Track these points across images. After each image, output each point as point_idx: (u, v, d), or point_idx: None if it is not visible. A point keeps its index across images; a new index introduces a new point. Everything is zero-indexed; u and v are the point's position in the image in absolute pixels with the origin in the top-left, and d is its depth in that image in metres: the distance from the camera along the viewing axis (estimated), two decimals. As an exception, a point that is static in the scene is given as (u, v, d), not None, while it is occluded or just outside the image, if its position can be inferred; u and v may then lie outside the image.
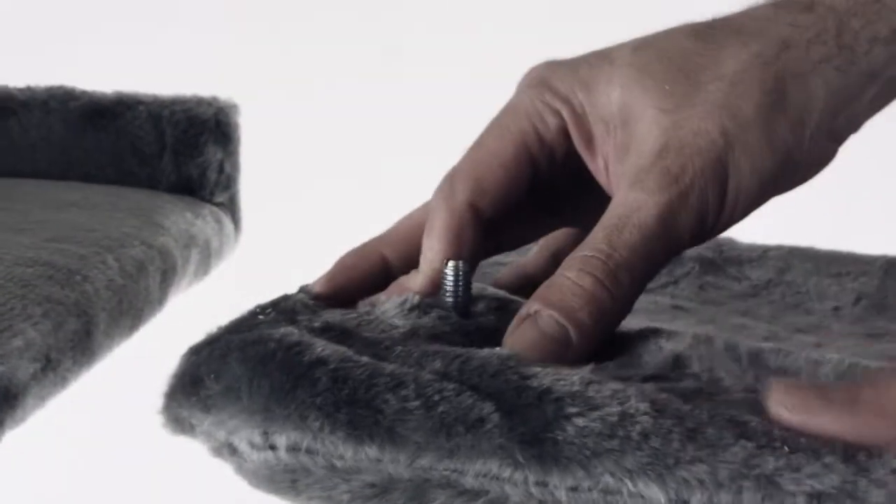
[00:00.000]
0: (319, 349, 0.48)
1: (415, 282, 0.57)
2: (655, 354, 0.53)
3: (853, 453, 0.42)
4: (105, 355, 0.78)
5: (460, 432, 0.45)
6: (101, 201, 0.97)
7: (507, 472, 0.45)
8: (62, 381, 0.71)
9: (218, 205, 1.09)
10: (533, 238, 0.64)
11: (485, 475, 0.45)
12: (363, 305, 0.55)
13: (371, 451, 0.46)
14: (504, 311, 0.56)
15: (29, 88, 1.12)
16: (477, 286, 0.58)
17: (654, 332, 0.54)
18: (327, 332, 0.51)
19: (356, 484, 0.47)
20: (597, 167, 0.58)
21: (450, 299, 0.55)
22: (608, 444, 0.43)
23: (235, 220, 1.11)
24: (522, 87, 0.59)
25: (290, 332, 0.50)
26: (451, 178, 0.58)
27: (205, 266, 1.01)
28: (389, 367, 0.47)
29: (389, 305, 0.54)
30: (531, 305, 0.52)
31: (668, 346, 0.53)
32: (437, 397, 0.45)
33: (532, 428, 0.44)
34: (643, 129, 0.55)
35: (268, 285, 0.59)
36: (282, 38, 1.81)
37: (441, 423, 0.45)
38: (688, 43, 0.56)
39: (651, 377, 0.51)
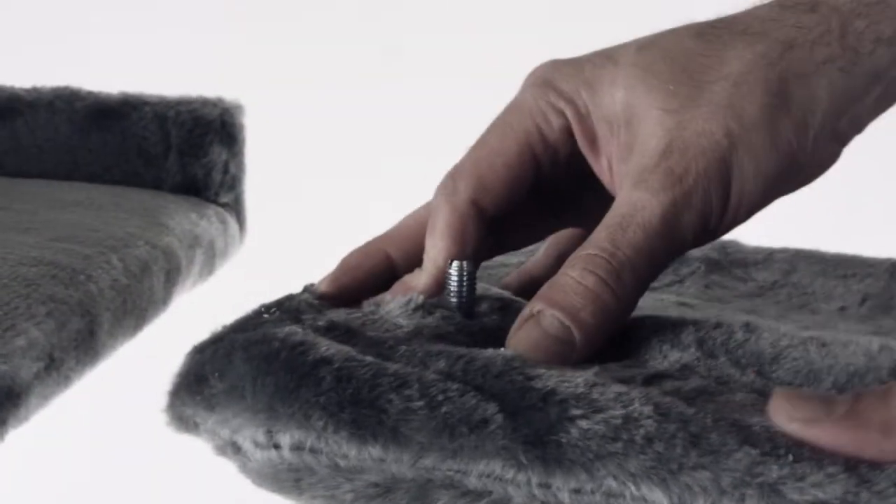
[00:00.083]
0: (323, 348, 0.48)
1: (418, 280, 0.57)
2: (658, 355, 0.53)
3: (855, 464, 0.42)
4: (109, 355, 0.78)
5: (464, 433, 0.45)
6: (106, 201, 0.97)
7: (510, 474, 0.45)
8: (65, 381, 0.70)
9: (223, 205, 1.09)
10: (537, 238, 0.64)
11: (488, 476, 0.45)
12: (368, 305, 0.55)
13: (374, 450, 0.46)
14: (508, 312, 0.56)
15: (35, 89, 1.12)
16: (481, 286, 0.58)
17: (659, 329, 0.54)
18: (332, 331, 0.51)
19: (360, 483, 0.47)
20: (600, 167, 0.58)
21: (454, 299, 0.55)
22: (612, 447, 0.43)
23: (240, 221, 1.11)
24: (526, 86, 0.59)
25: (295, 331, 0.50)
26: (453, 176, 0.58)
27: (209, 266, 1.01)
28: (393, 367, 0.47)
29: (394, 305, 0.54)
30: (534, 305, 0.52)
31: (673, 354, 0.53)
32: (440, 397, 0.45)
33: (536, 429, 0.44)
34: (647, 129, 0.55)
35: (273, 285, 0.59)
36: (287, 40, 1.81)
37: (445, 423, 0.45)
38: (692, 43, 0.56)
39: (656, 376, 0.51)
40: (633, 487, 0.43)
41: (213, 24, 1.82)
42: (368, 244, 0.60)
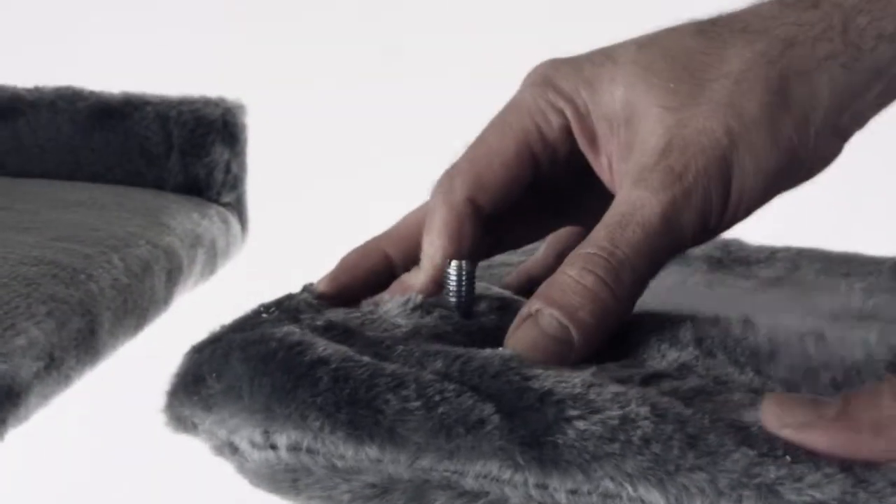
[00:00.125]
0: (321, 349, 0.48)
1: (416, 279, 0.57)
2: (657, 354, 0.53)
3: (852, 464, 0.42)
4: (109, 354, 0.78)
5: (461, 433, 0.45)
6: (108, 201, 0.97)
7: (507, 474, 0.44)
8: (66, 380, 0.71)
9: (225, 205, 1.09)
10: (537, 237, 0.64)
11: (485, 477, 0.45)
12: (366, 305, 0.55)
13: (371, 451, 0.46)
14: (507, 311, 0.56)
15: (37, 89, 1.13)
16: (481, 286, 0.58)
17: (657, 328, 0.54)
18: (330, 331, 0.51)
19: (357, 484, 0.47)
20: (600, 166, 0.58)
21: (453, 299, 0.55)
22: (609, 447, 0.43)
23: (242, 221, 1.11)
24: (526, 85, 0.59)
25: (292, 331, 0.50)
26: (450, 174, 0.58)
27: (211, 266, 1.01)
28: (390, 367, 0.47)
29: (392, 305, 0.54)
30: (533, 304, 0.52)
31: (671, 353, 0.53)
32: (437, 398, 0.45)
33: (533, 430, 0.44)
34: (647, 127, 0.55)
35: (274, 285, 0.59)
36: (288, 39, 1.81)
37: (441, 423, 0.45)
38: (692, 41, 0.56)
39: (654, 376, 0.51)
40: (630, 488, 0.43)
41: (214, 24, 1.83)
42: (367, 244, 0.60)
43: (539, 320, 0.51)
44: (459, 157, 0.58)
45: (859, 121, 0.56)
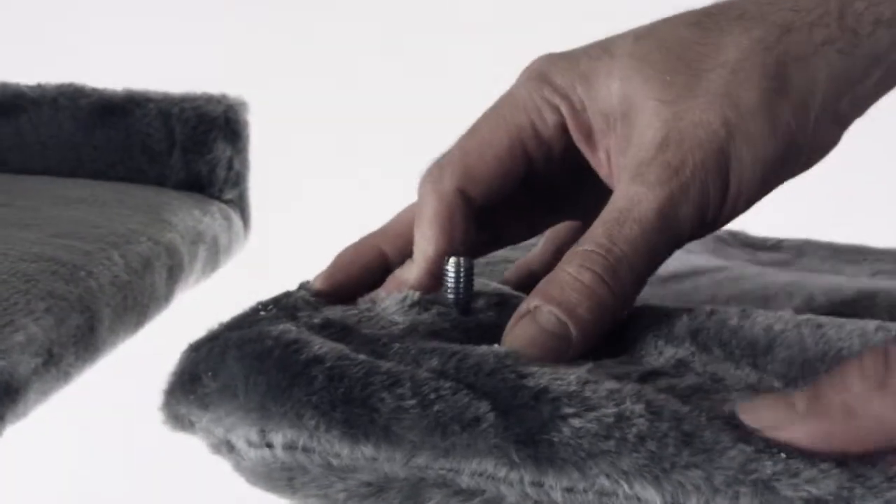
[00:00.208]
0: (316, 347, 0.48)
1: (410, 272, 0.57)
2: (654, 351, 0.53)
3: (846, 459, 0.42)
4: (109, 351, 0.78)
5: (456, 431, 0.44)
6: (110, 198, 0.97)
7: (502, 472, 0.44)
8: (64, 377, 0.70)
9: (227, 202, 1.09)
10: (534, 233, 0.64)
11: (480, 475, 0.45)
12: (363, 302, 0.55)
13: (367, 449, 0.46)
14: (505, 308, 0.55)
15: (39, 86, 1.13)
16: (479, 282, 0.57)
17: (653, 323, 0.54)
18: (327, 328, 0.51)
19: (352, 482, 0.47)
20: (598, 160, 0.58)
21: (451, 295, 0.55)
22: (604, 445, 0.43)
23: (244, 217, 1.11)
24: (521, 79, 0.59)
25: (288, 329, 0.49)
26: (439, 165, 0.58)
27: (213, 263, 1.01)
28: (386, 366, 0.47)
29: (390, 302, 0.54)
30: (531, 301, 0.52)
31: (668, 350, 0.53)
32: (433, 396, 0.45)
33: (528, 428, 0.44)
34: (644, 121, 0.55)
35: (276, 282, 0.59)
36: (291, 36, 1.81)
37: (437, 421, 0.45)
38: (688, 31, 0.56)
39: (651, 373, 0.51)
40: (625, 486, 0.43)
41: (216, 21, 1.83)
42: (362, 241, 0.60)
43: (537, 317, 0.51)
44: (449, 148, 0.58)
45: (858, 108, 0.56)
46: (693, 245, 0.77)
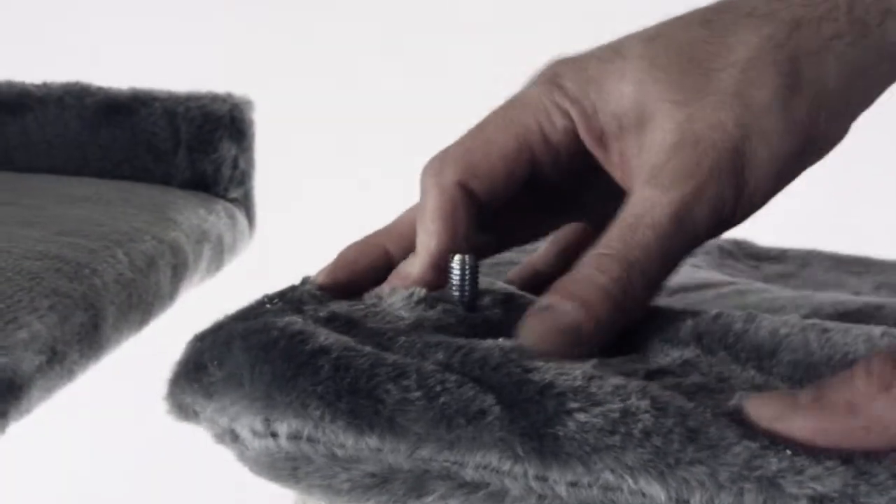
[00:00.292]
0: (322, 338, 0.48)
1: (412, 266, 0.57)
2: (660, 353, 0.53)
3: (850, 455, 0.42)
4: (113, 349, 0.78)
5: (461, 424, 0.44)
6: (115, 197, 0.97)
7: (506, 465, 0.44)
8: (68, 374, 0.70)
9: (232, 201, 1.09)
10: (540, 235, 0.64)
11: (485, 467, 0.45)
12: (369, 297, 0.55)
13: (371, 440, 0.46)
14: (510, 305, 0.56)
15: (45, 85, 1.12)
16: (485, 280, 0.57)
17: (659, 328, 0.54)
18: (332, 322, 0.51)
19: (356, 473, 0.47)
20: (611, 163, 0.58)
21: (456, 293, 0.55)
22: (609, 440, 0.43)
23: (249, 216, 1.11)
24: (532, 83, 0.59)
25: (294, 320, 0.50)
26: (441, 159, 0.58)
27: (217, 261, 1.01)
28: (392, 358, 0.47)
29: (396, 298, 0.54)
30: (548, 298, 0.52)
31: (674, 352, 0.53)
32: (438, 388, 0.45)
33: (533, 422, 0.44)
34: (657, 123, 0.55)
35: (281, 281, 0.59)
36: (297, 35, 1.81)
37: (442, 414, 0.45)
38: (698, 31, 0.56)
39: (657, 372, 0.51)
40: (630, 481, 0.43)
41: (222, 20, 1.83)
42: (366, 239, 0.60)
43: (553, 313, 0.51)
44: (453, 143, 0.58)
45: (868, 98, 0.56)
46: (699, 260, 0.77)
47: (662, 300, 0.59)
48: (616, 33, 0.59)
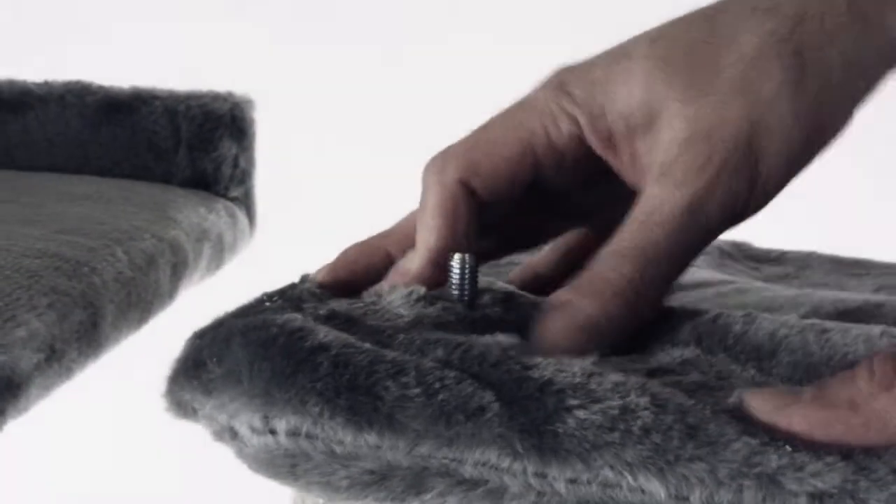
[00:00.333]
0: (322, 335, 0.48)
1: (411, 262, 0.57)
2: (660, 353, 0.53)
3: (849, 451, 0.42)
4: (113, 347, 0.78)
5: (460, 420, 0.44)
6: (115, 195, 0.97)
7: (506, 462, 0.44)
8: (67, 372, 0.70)
9: (232, 199, 1.09)
10: (544, 239, 0.64)
11: (484, 464, 0.45)
12: (369, 295, 0.55)
13: (370, 437, 0.45)
14: (510, 304, 0.56)
15: (46, 83, 1.13)
16: (485, 280, 0.57)
17: (660, 329, 0.54)
18: (332, 319, 0.51)
19: (355, 470, 0.47)
20: (621, 164, 0.58)
21: (456, 292, 0.55)
22: (608, 437, 0.43)
23: (250, 215, 1.11)
24: (539, 87, 0.59)
25: (294, 317, 0.49)
26: (442, 156, 0.57)
27: (218, 260, 1.01)
28: (391, 355, 0.47)
29: (396, 296, 0.54)
30: (562, 295, 0.52)
31: (674, 352, 0.53)
32: (437, 385, 0.45)
33: (532, 419, 0.44)
34: (666, 121, 0.55)
35: (282, 280, 0.59)
36: (298, 34, 1.81)
37: (441, 410, 0.45)
38: (702, 29, 0.56)
39: (658, 370, 0.51)
40: (629, 477, 0.43)
41: (223, 19, 1.83)
42: (368, 241, 0.60)
43: (571, 310, 0.52)
44: (456, 142, 0.58)
45: (872, 87, 0.56)
46: (699, 261, 0.77)
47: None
48: (618, 39, 0.59)
